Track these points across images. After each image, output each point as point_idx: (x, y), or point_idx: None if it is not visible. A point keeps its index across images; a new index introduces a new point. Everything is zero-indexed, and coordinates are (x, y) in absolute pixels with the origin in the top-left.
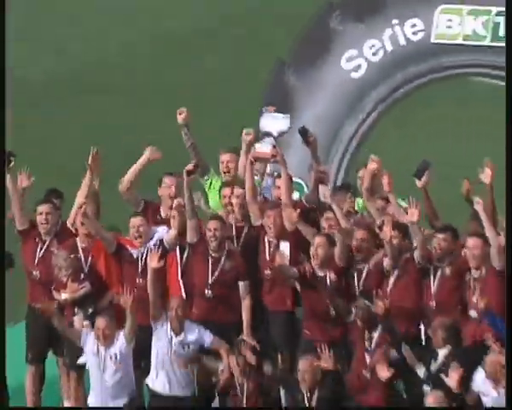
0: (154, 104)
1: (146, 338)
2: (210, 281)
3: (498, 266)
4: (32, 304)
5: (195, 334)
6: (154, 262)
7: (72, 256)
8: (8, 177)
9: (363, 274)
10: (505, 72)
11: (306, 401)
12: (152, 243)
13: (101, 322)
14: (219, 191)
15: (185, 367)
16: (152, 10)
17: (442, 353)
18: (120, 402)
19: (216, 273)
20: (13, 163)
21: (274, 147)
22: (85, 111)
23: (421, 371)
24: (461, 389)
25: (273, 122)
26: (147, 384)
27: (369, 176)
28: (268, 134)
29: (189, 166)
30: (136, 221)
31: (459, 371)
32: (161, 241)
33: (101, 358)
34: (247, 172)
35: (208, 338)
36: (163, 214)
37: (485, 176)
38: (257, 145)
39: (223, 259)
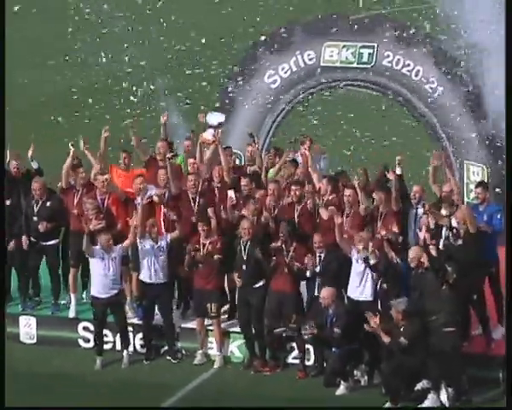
0: None
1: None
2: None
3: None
4: (72, 230)
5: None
6: (144, 202)
7: (94, 203)
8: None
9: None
10: (505, 72)
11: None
12: (146, 195)
13: (105, 237)
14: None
15: None
16: None
17: None
18: (114, 291)
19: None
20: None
21: (213, 135)
22: None
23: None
24: None
25: (213, 117)
26: (140, 279)
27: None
28: (210, 126)
29: (169, 155)
30: (138, 180)
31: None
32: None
33: (106, 260)
34: (198, 151)
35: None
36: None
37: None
38: (203, 133)
39: (197, 197)
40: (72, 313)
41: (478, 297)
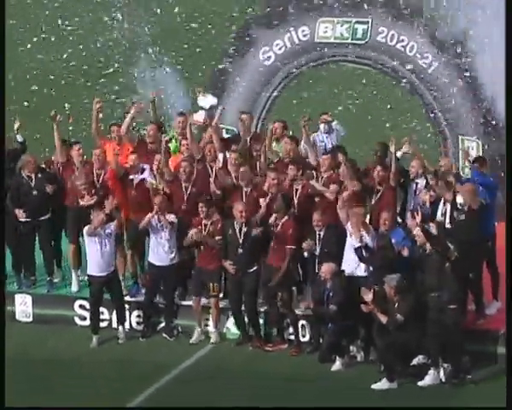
0: None
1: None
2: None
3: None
4: (69, 205)
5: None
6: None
7: (86, 178)
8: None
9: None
10: (505, 72)
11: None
12: (140, 177)
13: (99, 215)
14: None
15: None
16: None
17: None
18: (110, 269)
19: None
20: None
21: (205, 116)
22: None
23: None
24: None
25: (205, 100)
26: (148, 260)
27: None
28: (202, 108)
29: (166, 138)
30: (132, 157)
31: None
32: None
33: (102, 238)
34: (188, 132)
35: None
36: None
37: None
38: (194, 115)
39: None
40: (74, 288)
41: (475, 273)
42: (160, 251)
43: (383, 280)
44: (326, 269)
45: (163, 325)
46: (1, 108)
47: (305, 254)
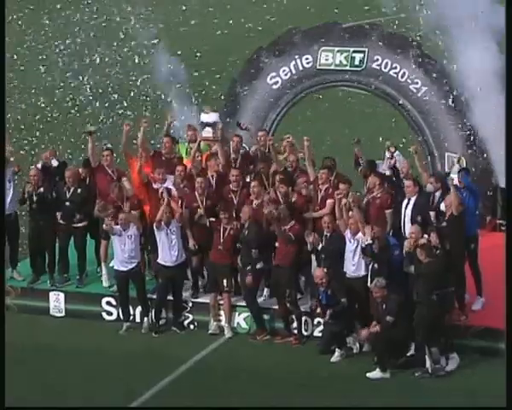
0: None
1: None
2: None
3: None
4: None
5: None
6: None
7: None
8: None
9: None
10: (505, 73)
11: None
12: (164, 185)
13: (122, 216)
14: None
15: None
16: None
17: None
18: (132, 265)
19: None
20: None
21: (213, 132)
22: None
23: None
24: None
25: (208, 117)
26: (157, 262)
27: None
28: (207, 124)
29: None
30: (159, 170)
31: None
32: (167, 188)
33: (124, 237)
34: (194, 148)
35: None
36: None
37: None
38: (203, 132)
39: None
40: (105, 283)
41: (458, 273)
42: (169, 252)
43: (376, 282)
44: (318, 274)
45: (173, 320)
46: (1, 107)
47: (308, 246)
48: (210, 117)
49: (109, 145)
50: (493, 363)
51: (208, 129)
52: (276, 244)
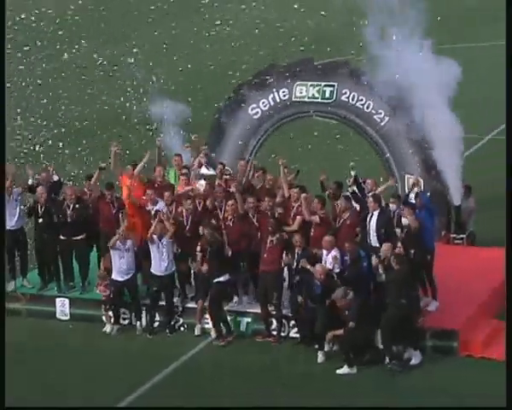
0: None
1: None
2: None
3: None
4: (102, 230)
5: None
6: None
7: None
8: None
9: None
10: (505, 73)
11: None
12: (155, 208)
13: (122, 228)
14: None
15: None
16: None
17: None
18: (128, 276)
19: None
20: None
21: (204, 186)
22: None
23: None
24: None
25: (207, 171)
26: (150, 271)
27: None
28: (202, 175)
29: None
30: (150, 192)
31: None
32: (157, 210)
33: (122, 251)
34: (185, 194)
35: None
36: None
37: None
38: (197, 184)
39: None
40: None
41: (416, 279)
42: (160, 263)
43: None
44: (319, 269)
45: (165, 323)
46: (1, 107)
47: (282, 263)
48: (208, 172)
49: (103, 165)
50: (447, 361)
51: (202, 182)
52: (265, 255)
